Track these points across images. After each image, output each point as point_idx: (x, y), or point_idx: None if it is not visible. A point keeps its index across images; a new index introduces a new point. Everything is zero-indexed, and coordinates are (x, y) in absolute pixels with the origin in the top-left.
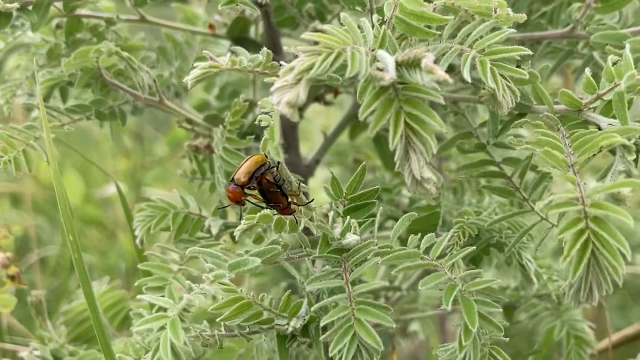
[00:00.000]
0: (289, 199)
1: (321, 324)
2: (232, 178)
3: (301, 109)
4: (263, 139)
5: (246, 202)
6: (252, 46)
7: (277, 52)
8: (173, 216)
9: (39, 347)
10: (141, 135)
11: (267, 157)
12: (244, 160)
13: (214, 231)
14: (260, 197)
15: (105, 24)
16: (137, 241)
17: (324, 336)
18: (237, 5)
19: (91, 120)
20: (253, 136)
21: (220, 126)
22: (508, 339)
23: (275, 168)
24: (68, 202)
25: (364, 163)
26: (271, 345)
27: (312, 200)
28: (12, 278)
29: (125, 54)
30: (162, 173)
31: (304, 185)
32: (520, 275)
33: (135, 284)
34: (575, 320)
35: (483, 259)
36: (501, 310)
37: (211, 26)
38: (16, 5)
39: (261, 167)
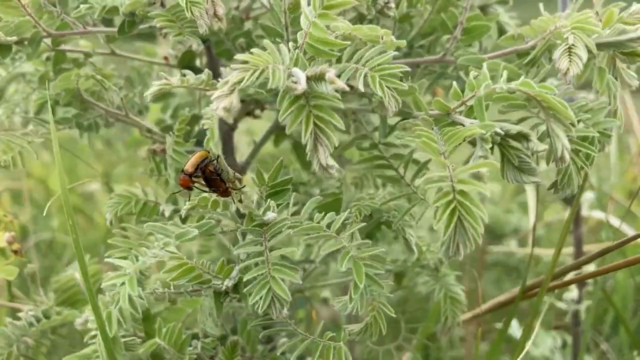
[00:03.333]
0: (227, 184)
1: (244, 280)
2: (183, 169)
3: (235, 121)
4: (206, 137)
5: (194, 187)
6: (198, 73)
7: (217, 76)
8: (135, 203)
9: (34, 308)
10: (111, 142)
11: (209, 152)
12: (192, 155)
13: (167, 214)
14: (204, 183)
15: (84, 57)
16: (108, 222)
17: (246, 289)
18: (185, 37)
19: (73, 130)
20: (196, 140)
21: (170, 132)
22: (393, 296)
23: (215, 160)
24: (68, 197)
25: (281, 159)
26: (211, 303)
27: (244, 186)
28: (15, 252)
29: (99, 77)
30: (127, 171)
31: (238, 174)
32: (404, 246)
33: (106, 254)
34: (451, 285)
35: (377, 235)
36: (384, 273)
37: (166, 58)
38: (15, 38)
39: (205, 160)
